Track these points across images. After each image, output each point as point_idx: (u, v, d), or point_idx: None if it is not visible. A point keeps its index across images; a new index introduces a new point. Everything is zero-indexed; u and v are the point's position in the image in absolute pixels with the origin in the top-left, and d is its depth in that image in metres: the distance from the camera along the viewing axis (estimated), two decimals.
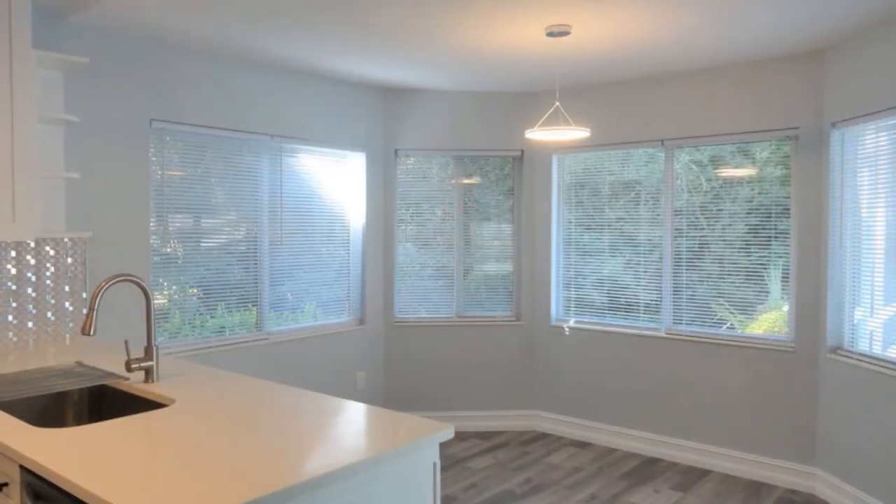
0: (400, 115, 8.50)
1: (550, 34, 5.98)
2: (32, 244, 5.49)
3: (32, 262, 5.49)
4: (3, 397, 3.73)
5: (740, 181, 7.21)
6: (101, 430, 3.15)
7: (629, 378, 7.91)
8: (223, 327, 7.00)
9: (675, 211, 7.58)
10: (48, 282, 5.60)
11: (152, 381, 4.09)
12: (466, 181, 8.66)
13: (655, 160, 7.74)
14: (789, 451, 6.90)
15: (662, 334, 7.68)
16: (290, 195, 7.53)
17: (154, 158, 6.37)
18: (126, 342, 4.05)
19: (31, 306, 5.49)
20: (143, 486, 2.49)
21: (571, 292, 8.50)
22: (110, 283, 3.90)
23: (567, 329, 8.41)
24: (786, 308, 7.00)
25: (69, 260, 5.72)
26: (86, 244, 5.83)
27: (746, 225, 7.16)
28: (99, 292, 3.85)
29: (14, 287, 5.39)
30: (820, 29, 5.99)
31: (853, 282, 6.41)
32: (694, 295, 7.50)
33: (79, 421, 4.10)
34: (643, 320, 7.89)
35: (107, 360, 4.75)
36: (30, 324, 5.49)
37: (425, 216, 8.65)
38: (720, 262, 7.32)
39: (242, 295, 7.14)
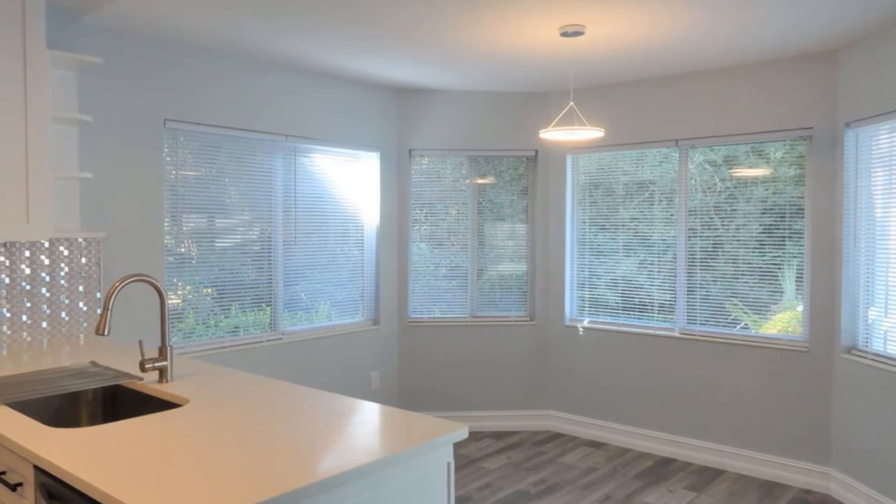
0: (414, 115, 8.50)
1: (564, 34, 5.97)
2: (46, 244, 5.50)
3: (46, 262, 5.50)
4: (18, 397, 3.74)
5: (754, 181, 7.19)
6: (116, 430, 3.15)
7: (643, 378, 7.90)
8: (237, 327, 7.00)
9: (689, 211, 7.57)
10: (62, 282, 5.61)
11: (166, 381, 4.10)
12: (480, 181, 8.65)
13: (669, 160, 7.73)
14: (804, 450, 6.89)
15: (676, 334, 7.67)
16: (304, 195, 7.54)
17: (168, 158, 6.38)
18: (140, 342, 4.06)
19: (45, 306, 5.51)
20: (158, 486, 2.49)
21: (585, 292, 8.49)
22: (124, 283, 3.91)
23: (581, 329, 8.40)
24: (800, 308, 6.98)
25: (83, 260, 5.73)
26: (100, 244, 5.84)
27: (760, 225, 7.14)
28: (113, 292, 3.86)
29: (28, 287, 5.40)
30: (834, 29, 5.97)
31: (867, 282, 6.39)
32: (708, 295, 7.49)
33: (93, 421, 4.11)
34: (657, 320, 7.88)
35: (121, 360, 4.76)
36: (44, 324, 5.50)
37: (439, 216, 8.65)
38: (734, 262, 7.30)
39: (256, 295, 7.15)
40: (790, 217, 6.98)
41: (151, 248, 6.24)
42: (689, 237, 7.58)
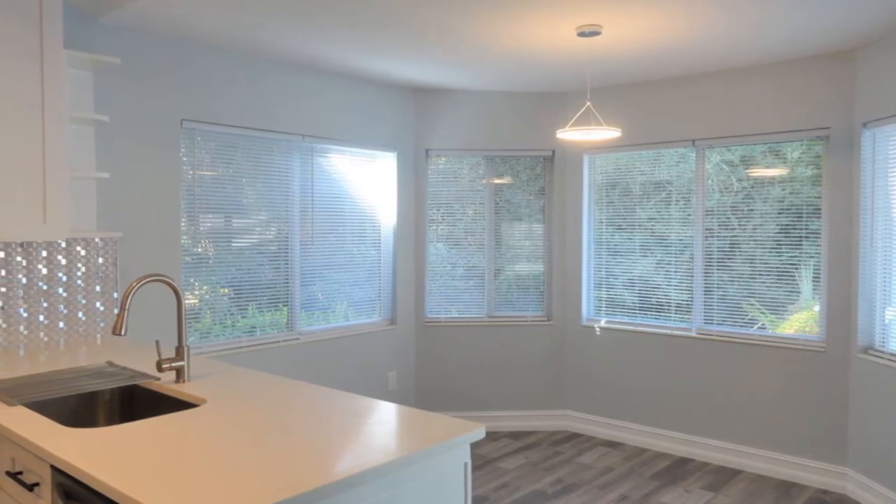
0: (431, 115, 8.50)
1: (581, 34, 5.97)
2: (63, 244, 5.52)
3: (63, 262, 5.52)
4: (35, 397, 3.75)
5: (771, 181, 7.17)
6: (133, 430, 3.16)
7: (660, 378, 7.88)
8: (254, 327, 7.01)
9: (706, 211, 7.55)
10: (79, 282, 5.62)
11: (183, 381, 4.10)
12: (497, 181, 8.65)
13: (686, 160, 7.71)
14: (820, 450, 6.87)
15: (693, 334, 7.65)
16: (321, 195, 7.54)
17: (185, 158, 6.39)
18: (157, 342, 4.06)
19: (62, 306, 5.52)
20: (175, 486, 2.49)
21: (602, 292, 8.48)
22: (141, 283, 3.91)
23: (598, 329, 8.39)
24: (817, 308, 6.96)
25: (100, 260, 5.74)
26: (117, 244, 5.86)
27: (777, 225, 7.12)
28: (130, 292, 3.86)
29: (45, 287, 5.42)
30: (851, 29, 5.95)
31: (884, 282, 6.37)
32: (725, 295, 7.47)
33: (110, 421, 4.11)
34: (674, 320, 7.86)
35: (138, 360, 4.77)
36: (61, 324, 5.52)
37: (456, 216, 8.64)
38: (751, 262, 7.28)
39: (273, 295, 7.15)
40: (807, 217, 6.96)
41: (168, 248, 6.25)
42: (707, 237, 7.56)
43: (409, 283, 8.54)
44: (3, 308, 5.20)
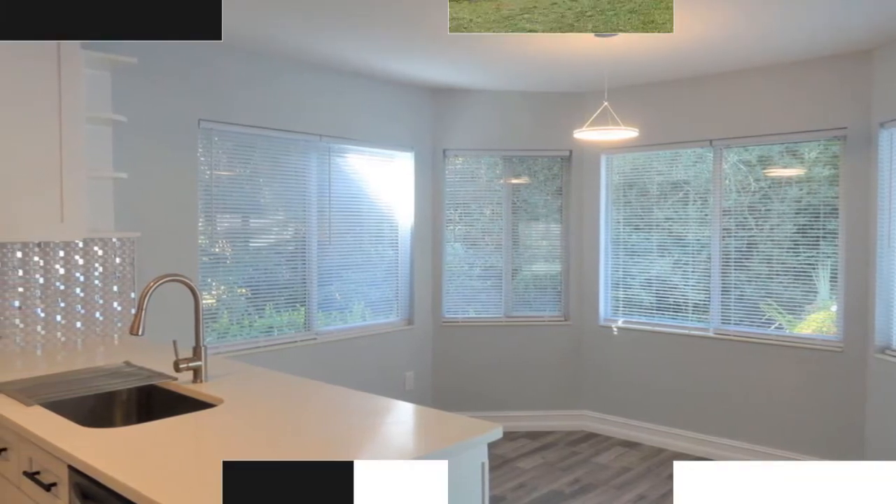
0: (448, 115, 8.50)
1: (599, 34, 5.95)
2: (80, 244, 5.53)
3: (80, 262, 5.53)
4: (52, 397, 3.76)
5: (788, 181, 7.15)
6: (150, 430, 3.16)
7: (677, 378, 7.87)
8: (271, 327, 7.02)
9: (724, 211, 7.53)
10: (96, 282, 5.64)
11: (201, 381, 4.11)
12: (515, 181, 8.64)
13: (704, 160, 7.69)
14: (837, 450, 6.84)
15: (711, 334, 7.63)
16: (339, 195, 7.54)
17: (202, 158, 6.40)
18: (174, 342, 4.07)
19: (79, 306, 5.53)
20: (192, 485, 2.49)
21: (620, 292, 8.47)
22: (159, 283, 3.92)
23: (615, 329, 8.37)
24: (834, 308, 6.94)
25: (117, 260, 5.76)
26: (134, 244, 5.86)
27: (795, 225, 7.10)
28: (147, 292, 3.87)
29: (62, 287, 5.43)
30: (868, 28, 5.92)
31: None
32: (742, 295, 7.45)
33: (127, 421, 4.12)
34: (691, 320, 7.85)
35: (155, 360, 4.78)
36: (78, 324, 5.53)
37: (474, 216, 8.64)
38: (768, 262, 7.26)
39: (290, 295, 7.16)
40: (824, 217, 6.94)
41: (186, 248, 6.26)
42: (724, 237, 7.55)
43: (426, 283, 8.54)
44: (20, 308, 5.22)
